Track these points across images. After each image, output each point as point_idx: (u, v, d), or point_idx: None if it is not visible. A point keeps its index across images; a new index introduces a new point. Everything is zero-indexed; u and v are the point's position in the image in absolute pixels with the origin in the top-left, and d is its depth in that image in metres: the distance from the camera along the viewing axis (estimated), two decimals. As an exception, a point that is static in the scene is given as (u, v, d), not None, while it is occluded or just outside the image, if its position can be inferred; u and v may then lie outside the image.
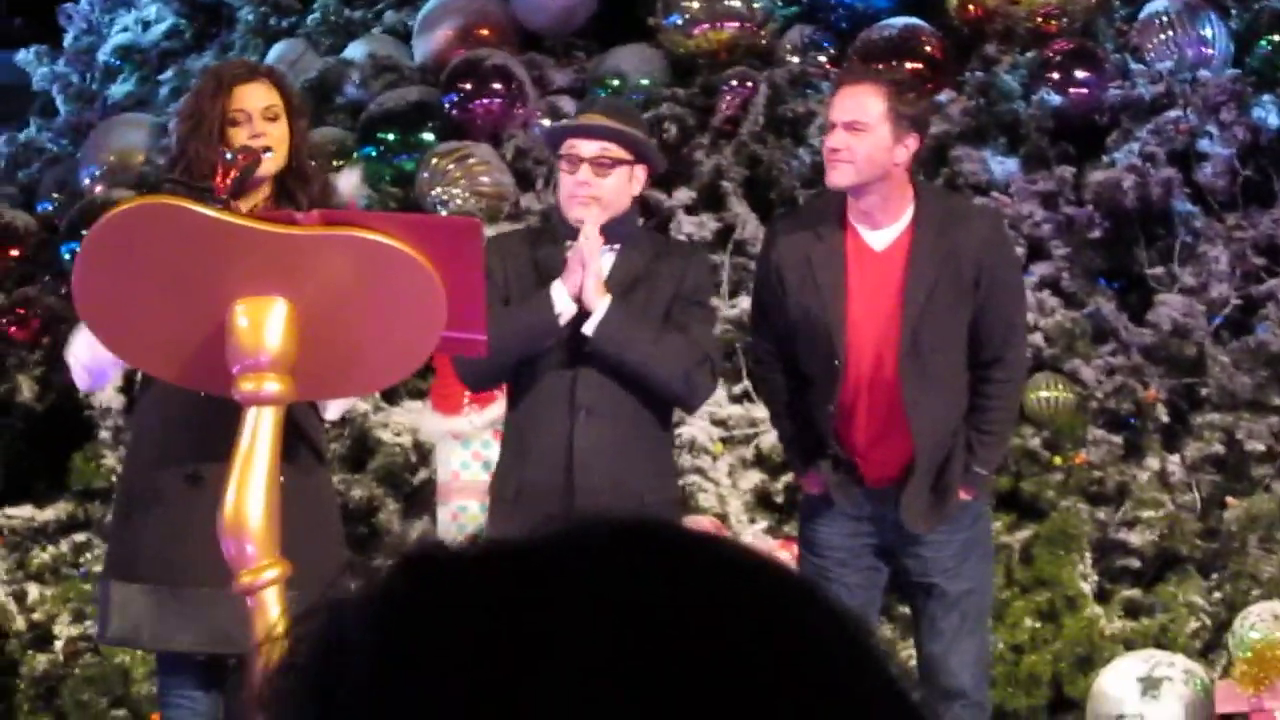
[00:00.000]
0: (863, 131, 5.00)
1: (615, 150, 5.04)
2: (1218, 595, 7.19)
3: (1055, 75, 8.46)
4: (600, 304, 4.93)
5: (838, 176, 5.06)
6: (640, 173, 5.11)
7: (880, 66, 7.44)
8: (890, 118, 5.01)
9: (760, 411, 7.66)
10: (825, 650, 0.94)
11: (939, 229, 5.07)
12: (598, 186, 5.01)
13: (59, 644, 7.75)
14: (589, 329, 4.93)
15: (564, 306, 4.94)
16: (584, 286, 4.92)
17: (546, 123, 7.12)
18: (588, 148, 5.04)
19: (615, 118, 5.13)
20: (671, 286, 5.09)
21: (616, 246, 5.08)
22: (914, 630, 5.38)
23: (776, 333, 5.22)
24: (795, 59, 8.88)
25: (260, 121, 4.49)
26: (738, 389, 7.61)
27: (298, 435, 4.36)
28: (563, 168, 5.09)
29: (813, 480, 5.21)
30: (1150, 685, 6.62)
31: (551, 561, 0.94)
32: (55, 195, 9.92)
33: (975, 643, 5.19)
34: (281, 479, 4.04)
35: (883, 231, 5.09)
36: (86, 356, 4.53)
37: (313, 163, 4.77)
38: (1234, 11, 8.87)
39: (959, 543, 5.11)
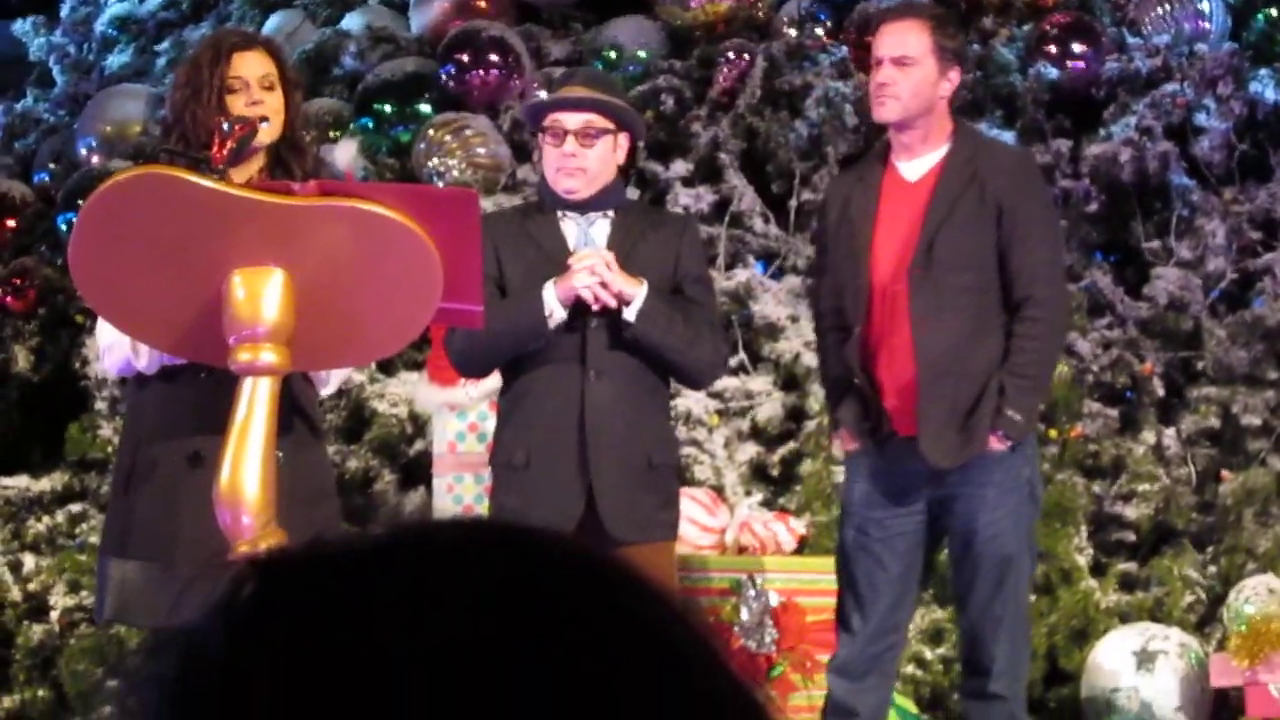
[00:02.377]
0: (910, 66, 5.09)
1: (599, 120, 5.06)
2: (1213, 569, 7.20)
3: (1052, 49, 8.46)
4: (639, 292, 4.94)
5: (885, 111, 5.13)
6: (624, 141, 5.14)
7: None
8: (935, 52, 5.12)
9: (756, 384, 7.67)
10: (667, 639, 0.94)
11: (969, 157, 5.13)
12: (584, 157, 5.04)
13: (55, 614, 7.75)
14: (630, 315, 4.94)
15: (554, 308, 4.95)
16: (613, 288, 4.91)
17: (544, 94, 7.09)
18: (572, 120, 5.06)
19: (597, 88, 5.15)
20: (670, 258, 5.09)
21: (610, 214, 5.09)
22: (954, 601, 5.35)
23: (827, 279, 5.30)
24: (793, 31, 8.87)
25: (257, 89, 4.48)
26: (734, 361, 7.60)
27: (294, 408, 4.34)
28: (547, 141, 5.10)
29: (844, 436, 5.21)
30: (1145, 659, 6.63)
31: (397, 562, 0.93)
32: (52, 166, 9.91)
33: (1011, 612, 5.09)
34: (279, 453, 4.04)
35: (917, 161, 5.16)
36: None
37: (306, 134, 4.76)
38: (1232, -15, 8.86)
39: (991, 497, 5.03)
